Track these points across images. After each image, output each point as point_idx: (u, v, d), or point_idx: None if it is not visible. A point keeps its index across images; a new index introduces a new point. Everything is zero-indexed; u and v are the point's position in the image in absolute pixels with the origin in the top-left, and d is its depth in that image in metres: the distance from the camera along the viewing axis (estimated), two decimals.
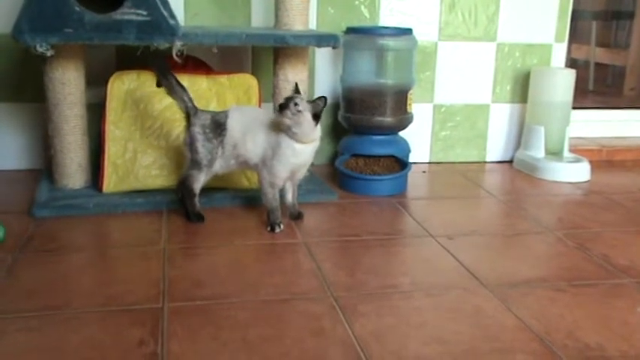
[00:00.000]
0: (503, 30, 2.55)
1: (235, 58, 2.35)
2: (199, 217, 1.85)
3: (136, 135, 2.01)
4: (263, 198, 1.83)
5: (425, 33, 2.49)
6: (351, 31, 2.26)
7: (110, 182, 1.98)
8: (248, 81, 2.11)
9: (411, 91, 2.26)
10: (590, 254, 1.73)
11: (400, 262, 1.70)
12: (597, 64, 4.42)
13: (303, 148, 1.78)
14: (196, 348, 1.22)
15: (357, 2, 2.43)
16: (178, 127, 1.96)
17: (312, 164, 1.95)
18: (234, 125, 1.81)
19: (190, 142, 1.82)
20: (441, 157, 2.65)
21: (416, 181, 2.37)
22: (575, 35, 4.63)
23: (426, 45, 2.50)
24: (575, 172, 2.45)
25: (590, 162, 2.49)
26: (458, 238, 1.82)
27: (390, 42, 2.20)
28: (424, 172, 2.52)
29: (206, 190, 1.92)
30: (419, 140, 2.56)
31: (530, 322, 1.35)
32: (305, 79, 2.14)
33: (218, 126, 1.81)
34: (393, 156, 2.25)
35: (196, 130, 1.81)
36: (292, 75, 2.10)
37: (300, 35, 2.02)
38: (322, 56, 2.44)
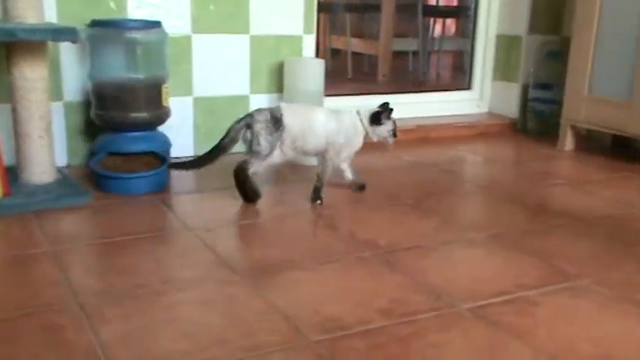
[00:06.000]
0: (255, 23, 2.62)
1: None
2: (256, 194, 2.03)
3: None
4: (323, 175, 2.07)
5: (177, 26, 2.46)
6: (96, 24, 2.15)
7: None
8: None
9: (165, 85, 2.22)
10: (339, 232, 1.86)
11: (154, 259, 1.66)
12: (354, 54, 4.74)
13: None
14: None
15: None
16: None
17: (69, 166, 1.85)
18: (293, 125, 1.99)
19: (253, 138, 1.97)
20: (206, 149, 2.63)
21: (181, 176, 2.33)
22: (335, 27, 4.93)
23: (179, 38, 2.47)
24: None
25: None
26: (216, 230, 1.83)
27: (137, 35, 2.13)
28: None
29: None
30: (181, 134, 2.53)
31: (279, 304, 1.41)
32: (46, 76, 1.99)
33: (277, 120, 1.97)
34: (152, 152, 2.20)
35: (260, 126, 1.96)
36: (30, 72, 1.94)
37: (32, 29, 1.87)
38: (69, 51, 2.29)
